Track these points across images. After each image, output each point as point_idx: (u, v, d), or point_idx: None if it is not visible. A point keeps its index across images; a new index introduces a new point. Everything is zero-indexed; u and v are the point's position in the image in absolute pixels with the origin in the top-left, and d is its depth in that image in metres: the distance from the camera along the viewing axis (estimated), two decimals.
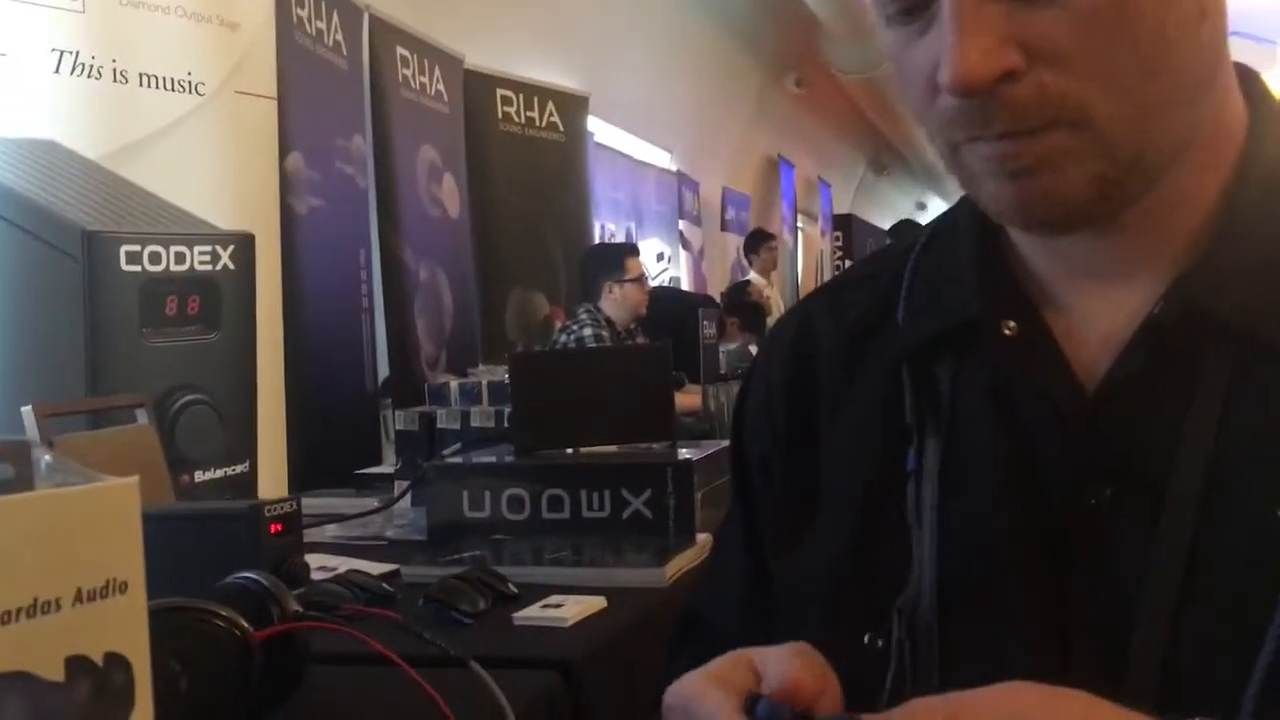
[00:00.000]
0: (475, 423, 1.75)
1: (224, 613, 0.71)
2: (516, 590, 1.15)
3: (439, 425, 1.77)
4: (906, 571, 0.60)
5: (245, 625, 0.71)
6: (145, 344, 2.44)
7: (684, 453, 1.46)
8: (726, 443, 1.90)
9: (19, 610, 0.43)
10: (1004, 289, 0.62)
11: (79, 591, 0.45)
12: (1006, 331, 0.60)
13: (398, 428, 1.81)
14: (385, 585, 1.17)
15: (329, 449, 2.89)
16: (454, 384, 1.85)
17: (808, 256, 8.85)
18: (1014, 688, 0.47)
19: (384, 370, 3.50)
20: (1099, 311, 0.60)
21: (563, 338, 3.69)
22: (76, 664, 0.45)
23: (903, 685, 0.60)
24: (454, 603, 1.06)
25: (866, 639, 0.61)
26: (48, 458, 0.51)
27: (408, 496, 1.61)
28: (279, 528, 0.96)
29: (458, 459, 1.57)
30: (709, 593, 0.77)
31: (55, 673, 0.44)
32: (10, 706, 0.43)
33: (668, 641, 0.78)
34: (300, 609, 0.79)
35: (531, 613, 1.08)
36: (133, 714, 0.47)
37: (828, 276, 7.73)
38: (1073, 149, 0.53)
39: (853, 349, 0.68)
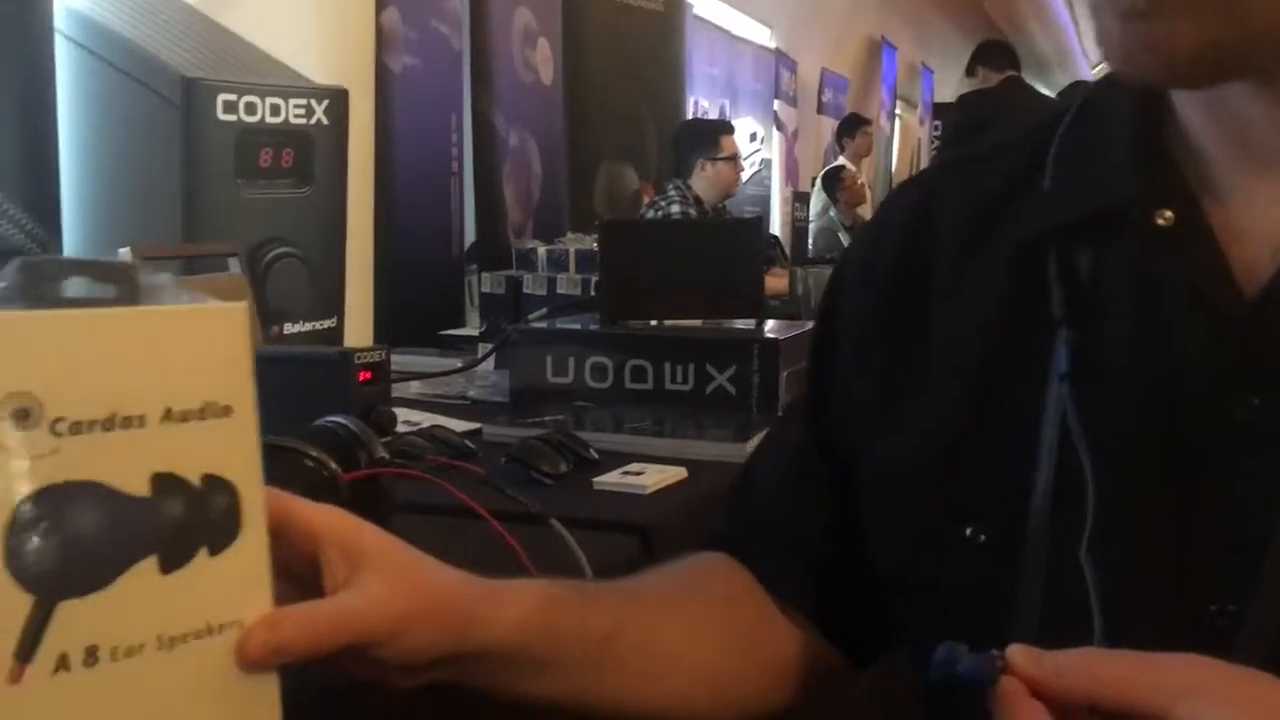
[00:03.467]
0: (561, 289, 1.75)
1: (314, 453, 0.71)
2: (597, 456, 1.15)
3: (525, 290, 1.77)
4: (1023, 468, 0.58)
5: (335, 467, 0.71)
6: (239, 195, 2.46)
7: (771, 331, 1.44)
8: (809, 325, 1.88)
9: (91, 423, 0.42)
10: (1161, 173, 0.57)
11: (168, 411, 0.44)
12: (1160, 221, 0.56)
13: (484, 290, 1.81)
14: (468, 443, 1.18)
15: (414, 310, 2.92)
16: (541, 250, 1.84)
17: (904, 145, 8.63)
18: (1196, 660, 0.44)
19: (470, 236, 3.51)
20: (1268, 204, 0.55)
21: (650, 214, 3.66)
22: (164, 481, 0.44)
23: (1003, 585, 0.58)
24: (535, 463, 1.07)
25: (968, 532, 0.59)
26: (150, 281, 0.50)
27: (491, 359, 1.62)
28: (367, 376, 0.96)
29: (542, 324, 1.56)
30: (762, 451, 0.76)
31: (139, 489, 0.44)
32: (83, 514, 0.42)
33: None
34: (387, 456, 0.79)
35: (611, 478, 1.08)
36: (240, 540, 0.46)
37: (923, 167, 7.52)
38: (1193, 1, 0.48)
39: (978, 227, 0.64)
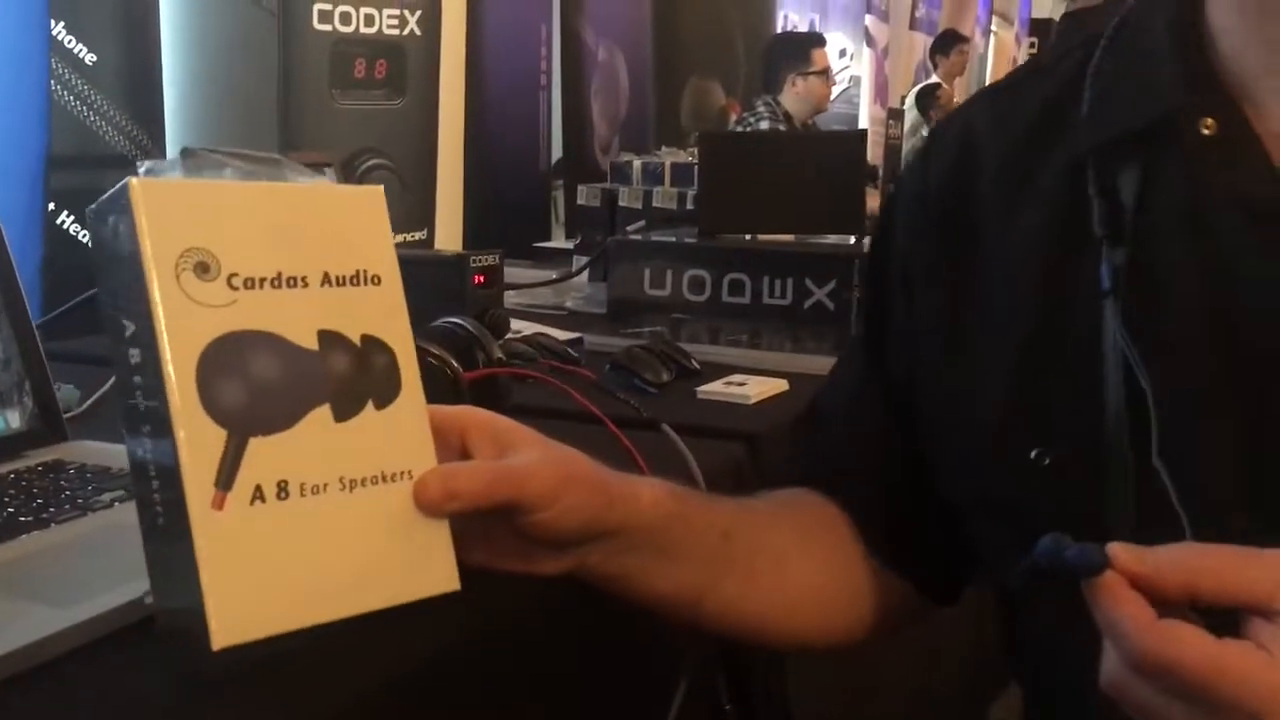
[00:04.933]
0: (657, 203, 1.74)
1: (436, 351, 0.73)
2: (698, 366, 1.16)
3: (620, 203, 1.77)
4: (1088, 387, 0.57)
5: (456, 365, 0.73)
6: (333, 105, 2.49)
7: None
8: None
9: (262, 280, 0.47)
10: (1203, 82, 0.56)
11: (326, 275, 0.49)
12: (1205, 130, 0.55)
13: (578, 203, 1.80)
14: (570, 350, 1.19)
15: (502, 223, 2.93)
16: (636, 163, 1.83)
17: (999, 62, 8.37)
18: None
19: (556, 152, 3.50)
20: None
21: (739, 129, 3.61)
22: (329, 338, 0.49)
23: (1080, 503, 0.58)
24: (639, 371, 1.08)
25: (1033, 455, 0.59)
26: (294, 173, 0.52)
27: (585, 270, 1.63)
28: (482, 279, 0.97)
29: (640, 236, 1.56)
30: (829, 383, 0.77)
31: (308, 342, 0.48)
32: (262, 359, 0.47)
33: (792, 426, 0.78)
34: (504, 357, 0.81)
35: (714, 388, 1.08)
36: (401, 398, 0.50)
37: None
38: None
39: (1022, 152, 0.64)
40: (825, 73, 3.61)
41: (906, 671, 1.39)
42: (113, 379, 1.02)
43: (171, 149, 2.15)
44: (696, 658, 0.79)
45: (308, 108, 2.43)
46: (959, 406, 0.64)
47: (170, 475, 0.45)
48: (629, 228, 1.64)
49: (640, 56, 3.84)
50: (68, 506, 0.67)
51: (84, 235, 1.67)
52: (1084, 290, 0.58)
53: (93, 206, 0.49)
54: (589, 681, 0.73)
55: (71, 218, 1.80)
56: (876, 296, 0.72)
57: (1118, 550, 0.44)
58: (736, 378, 1.12)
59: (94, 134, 1.87)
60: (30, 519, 0.65)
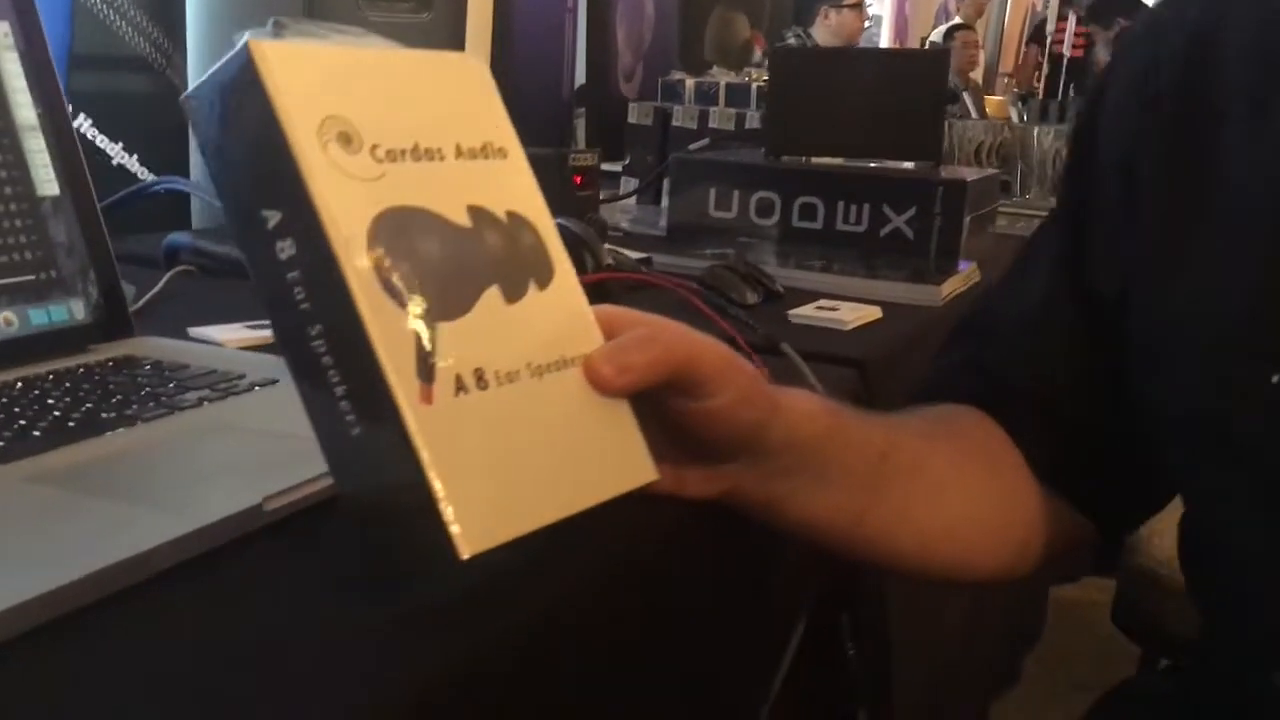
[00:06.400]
0: (714, 124, 1.66)
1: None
2: (783, 290, 1.09)
3: (674, 123, 1.69)
4: None
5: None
6: (361, 15, 2.39)
7: (958, 172, 1.35)
8: (994, 170, 1.78)
9: (402, 151, 0.43)
10: None
11: (458, 147, 0.44)
12: None
13: (631, 121, 1.72)
14: (643, 269, 1.12)
15: (526, 145, 2.84)
16: (690, 82, 1.75)
17: (1016, 9, 8.23)
18: None
19: (580, 78, 3.39)
20: None
21: (767, 62, 3.52)
22: (479, 214, 0.44)
23: None
24: (727, 291, 1.01)
25: (1276, 379, 0.53)
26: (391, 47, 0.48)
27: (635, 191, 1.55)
28: (580, 180, 0.90)
29: (707, 155, 1.48)
30: (1003, 295, 0.70)
31: (461, 219, 0.43)
32: (426, 238, 0.42)
33: (945, 339, 0.73)
34: (613, 262, 0.74)
35: (807, 311, 1.02)
36: (557, 277, 0.46)
37: (1041, 26, 7.14)
38: None
39: (1278, 48, 0.56)
40: (859, 6, 3.50)
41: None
42: (167, 277, 0.94)
43: (192, 57, 2.06)
44: (815, 596, 0.74)
45: (334, 18, 2.33)
46: (1188, 322, 0.57)
47: (363, 373, 0.39)
48: (691, 146, 1.56)
49: None
50: (152, 404, 0.61)
51: (101, 140, 1.59)
52: None
53: (193, 89, 0.43)
54: (704, 618, 0.67)
55: (89, 121, 1.71)
56: (1081, 200, 0.65)
57: None
58: (826, 303, 1.05)
59: (113, 33, 1.78)
60: (114, 414, 0.58)
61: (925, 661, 1.15)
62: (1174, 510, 0.68)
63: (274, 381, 0.65)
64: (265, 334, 0.81)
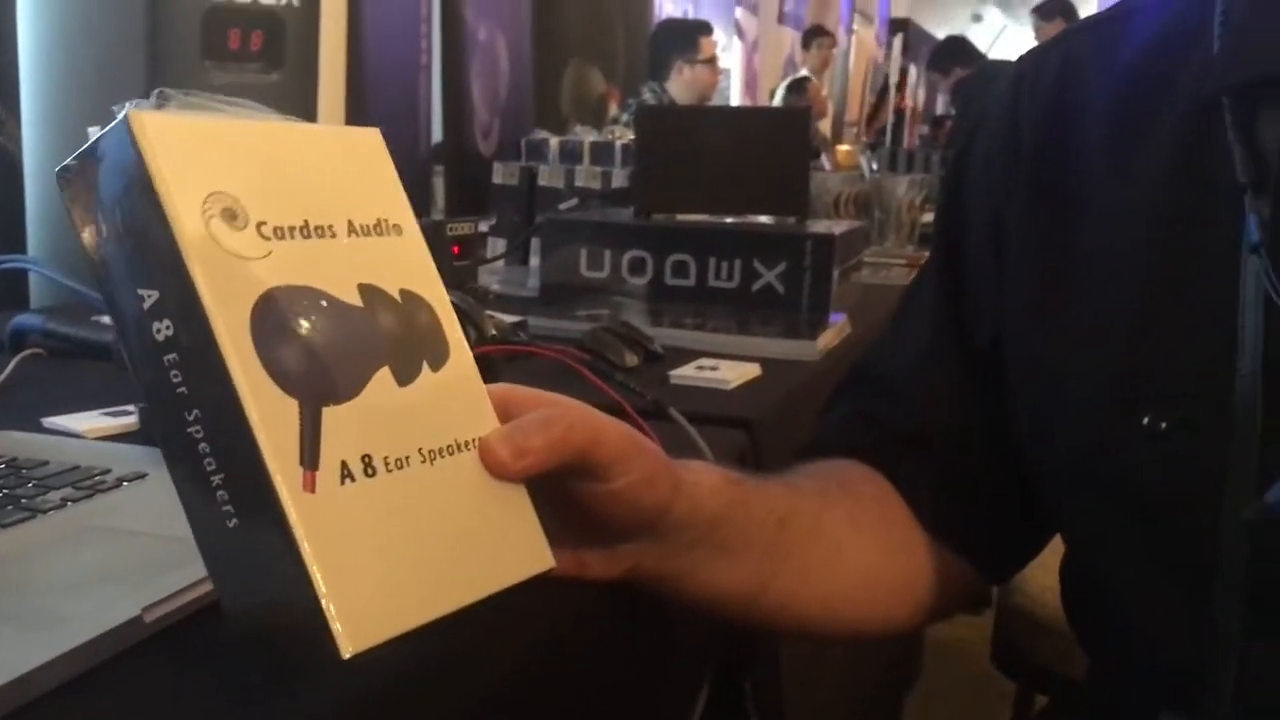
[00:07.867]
0: (580, 182, 1.66)
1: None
2: (662, 350, 1.09)
3: (540, 183, 1.68)
4: (1210, 351, 0.53)
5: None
6: (206, 78, 2.32)
7: (823, 227, 1.38)
8: (859, 223, 1.81)
9: (292, 228, 0.41)
10: None
11: (351, 224, 0.43)
12: None
13: (496, 181, 1.71)
14: (519, 334, 1.10)
15: None
16: (554, 141, 1.75)
17: (859, 60, 8.53)
18: None
19: (436, 135, 3.37)
20: None
21: (625, 116, 3.55)
22: (370, 293, 0.42)
23: (1183, 477, 0.54)
24: (607, 354, 1.00)
25: (1146, 421, 0.55)
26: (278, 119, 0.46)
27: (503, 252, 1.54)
28: (458, 250, 0.88)
29: (576, 215, 1.48)
30: (886, 347, 0.71)
31: (352, 298, 0.42)
32: (314, 318, 0.40)
33: (829, 396, 0.73)
34: (497, 333, 0.72)
35: (687, 372, 1.01)
36: (452, 357, 0.44)
37: (884, 78, 7.41)
38: None
39: (1136, 95, 0.59)
40: (713, 61, 3.58)
41: (843, 666, 1.35)
42: (15, 361, 0.88)
43: (28, 128, 1.97)
44: (717, 663, 0.72)
45: (178, 81, 2.26)
46: (1059, 370, 0.59)
47: (241, 460, 0.37)
48: (560, 206, 1.56)
49: (519, 37, 3.74)
50: (10, 508, 0.56)
51: None
52: (1214, 243, 0.54)
53: (68, 162, 0.41)
54: (606, 688, 0.65)
55: None
56: (953, 254, 0.66)
57: None
58: (706, 362, 1.05)
59: None
60: None
61: (815, 715, 1.15)
62: (1052, 550, 0.69)
63: (143, 475, 0.61)
64: (127, 420, 0.77)
